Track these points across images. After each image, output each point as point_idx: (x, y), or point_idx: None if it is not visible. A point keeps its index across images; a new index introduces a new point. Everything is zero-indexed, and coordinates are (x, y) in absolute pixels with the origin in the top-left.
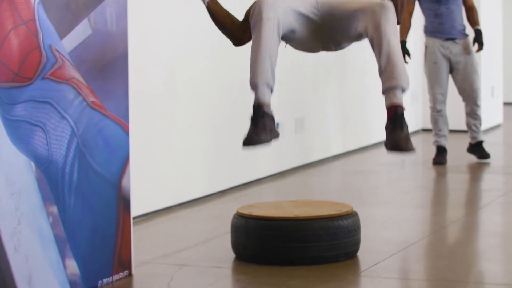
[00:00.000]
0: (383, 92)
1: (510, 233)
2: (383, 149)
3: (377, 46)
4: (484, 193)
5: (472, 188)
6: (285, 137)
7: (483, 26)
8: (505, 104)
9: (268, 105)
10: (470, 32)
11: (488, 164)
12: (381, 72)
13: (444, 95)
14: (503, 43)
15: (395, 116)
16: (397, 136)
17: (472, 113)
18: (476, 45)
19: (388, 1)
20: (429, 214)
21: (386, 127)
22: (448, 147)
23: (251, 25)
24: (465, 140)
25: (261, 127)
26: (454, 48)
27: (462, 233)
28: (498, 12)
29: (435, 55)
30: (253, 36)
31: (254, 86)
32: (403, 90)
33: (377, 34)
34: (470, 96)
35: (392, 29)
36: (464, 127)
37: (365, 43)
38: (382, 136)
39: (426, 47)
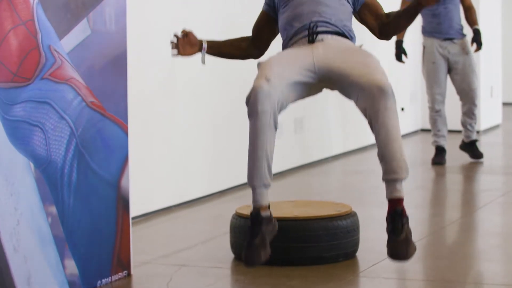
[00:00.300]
0: (383, 180)
1: (509, 233)
2: None
3: (376, 133)
4: (483, 193)
5: (471, 188)
6: (284, 137)
7: (482, 26)
8: (504, 104)
9: (266, 207)
10: (468, 32)
11: (487, 164)
12: (380, 159)
13: (443, 95)
14: (502, 43)
15: (395, 214)
16: (396, 241)
17: (469, 112)
18: (475, 45)
19: (387, 84)
20: (428, 214)
21: (386, 221)
22: (447, 147)
23: (247, 112)
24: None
25: (259, 242)
26: (453, 48)
27: (462, 234)
28: (497, 12)
29: (433, 55)
30: (249, 126)
31: (251, 187)
32: (403, 180)
33: (375, 122)
34: (468, 96)
35: (391, 118)
36: (461, 127)
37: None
38: None
39: (424, 47)
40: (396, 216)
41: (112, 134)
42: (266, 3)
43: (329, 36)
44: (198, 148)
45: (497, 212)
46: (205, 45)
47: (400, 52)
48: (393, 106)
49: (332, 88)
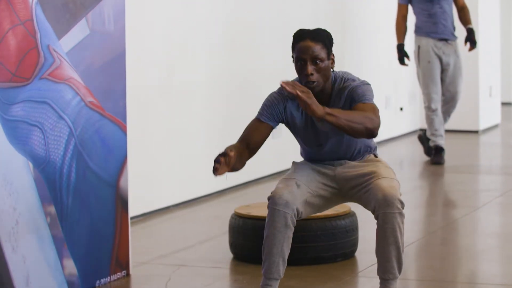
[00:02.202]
0: (377, 275)
1: (508, 234)
2: (380, 149)
3: (376, 232)
4: (482, 194)
5: (470, 188)
6: (283, 137)
7: (480, 27)
8: (503, 104)
9: None
10: (459, 33)
11: (485, 164)
12: (376, 255)
13: (439, 94)
14: (500, 43)
15: None
16: None
17: (447, 113)
18: (468, 44)
19: (394, 196)
20: (427, 214)
21: None
22: (445, 146)
23: (268, 210)
24: (462, 141)
25: None
26: (447, 49)
27: (460, 234)
28: (495, 12)
29: (429, 54)
30: (268, 221)
31: (264, 275)
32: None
33: (377, 223)
34: (452, 97)
35: (397, 230)
36: (459, 127)
37: (362, 42)
38: (381, 136)
39: (419, 46)
40: None
41: (110, 134)
42: (269, 118)
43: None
44: (196, 148)
45: (495, 212)
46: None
47: (402, 56)
48: (397, 218)
49: (349, 200)
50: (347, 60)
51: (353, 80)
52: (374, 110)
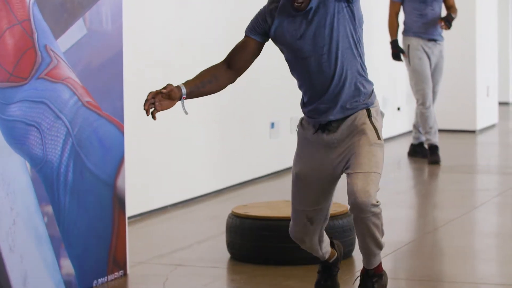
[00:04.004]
0: (363, 263)
1: (506, 233)
2: None
3: (358, 236)
4: (480, 193)
5: (467, 188)
6: (280, 137)
7: (478, 27)
8: (500, 104)
9: (330, 257)
10: (446, 36)
11: (483, 164)
12: (360, 249)
13: (431, 90)
14: (497, 43)
15: (366, 274)
16: None
17: None
18: (443, 23)
19: (372, 205)
20: (424, 214)
21: (360, 278)
22: (439, 143)
23: None
24: (459, 140)
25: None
26: (435, 49)
27: (458, 233)
28: (493, 13)
29: (419, 52)
30: None
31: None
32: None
33: (359, 230)
34: (432, 98)
35: (372, 228)
36: (457, 127)
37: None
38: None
39: (408, 45)
40: (367, 277)
41: (108, 134)
42: (256, 32)
43: (342, 126)
44: (194, 148)
45: (493, 212)
46: (184, 94)
47: (398, 52)
48: (370, 219)
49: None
50: None
51: None
52: None
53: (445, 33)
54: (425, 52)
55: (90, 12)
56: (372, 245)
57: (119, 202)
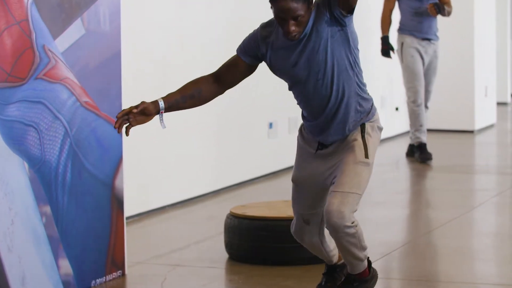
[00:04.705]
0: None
1: (504, 233)
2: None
3: (338, 248)
4: (478, 193)
5: (465, 188)
6: (278, 137)
7: (476, 27)
8: (498, 104)
9: (338, 260)
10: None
11: (481, 164)
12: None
13: (423, 88)
14: (496, 44)
15: (348, 277)
16: None
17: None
18: (432, 6)
19: (345, 226)
20: (422, 214)
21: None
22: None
23: None
24: (457, 140)
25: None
26: (429, 49)
27: (456, 233)
28: (491, 13)
29: (412, 50)
30: None
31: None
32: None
33: (337, 245)
34: (426, 97)
35: (347, 245)
36: (455, 127)
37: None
38: None
39: (402, 43)
40: (348, 281)
41: (106, 134)
42: (247, 54)
43: (338, 143)
44: (192, 148)
45: (491, 212)
46: (162, 108)
47: (388, 48)
48: (344, 238)
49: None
50: None
51: None
52: None
53: (443, 33)
54: (418, 51)
55: (88, 12)
56: (350, 258)
57: (117, 202)
